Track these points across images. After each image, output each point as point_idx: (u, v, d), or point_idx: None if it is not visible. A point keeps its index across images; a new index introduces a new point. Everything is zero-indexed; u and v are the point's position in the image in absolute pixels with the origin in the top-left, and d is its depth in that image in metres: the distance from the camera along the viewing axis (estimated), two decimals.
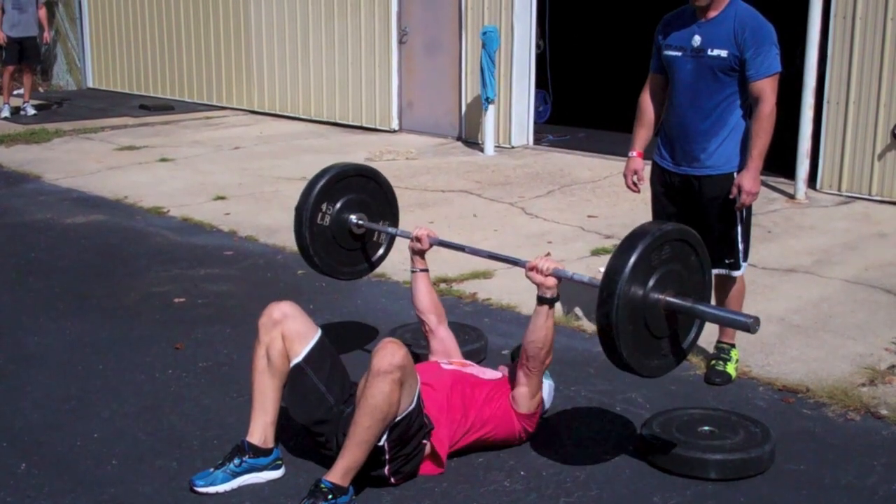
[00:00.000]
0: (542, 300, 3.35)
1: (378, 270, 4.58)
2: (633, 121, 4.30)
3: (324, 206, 3.99)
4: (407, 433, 3.17)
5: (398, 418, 3.11)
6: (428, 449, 3.27)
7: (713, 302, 4.10)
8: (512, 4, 9.32)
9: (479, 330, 4.49)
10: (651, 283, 3.03)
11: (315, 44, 11.15)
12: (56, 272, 5.75)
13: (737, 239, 4.09)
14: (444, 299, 4.52)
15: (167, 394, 4.00)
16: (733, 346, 4.21)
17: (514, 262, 3.63)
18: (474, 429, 3.39)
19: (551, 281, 3.34)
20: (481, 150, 9.43)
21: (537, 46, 9.88)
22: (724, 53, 3.90)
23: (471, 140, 9.85)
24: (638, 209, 6.34)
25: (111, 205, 7.52)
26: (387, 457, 3.16)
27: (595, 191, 7.71)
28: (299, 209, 3.97)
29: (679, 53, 4.02)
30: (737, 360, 4.18)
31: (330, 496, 3.01)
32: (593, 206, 7.25)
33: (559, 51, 11.45)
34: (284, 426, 3.42)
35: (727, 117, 4.00)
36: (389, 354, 3.05)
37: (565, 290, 3.99)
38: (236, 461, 3.24)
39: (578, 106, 11.10)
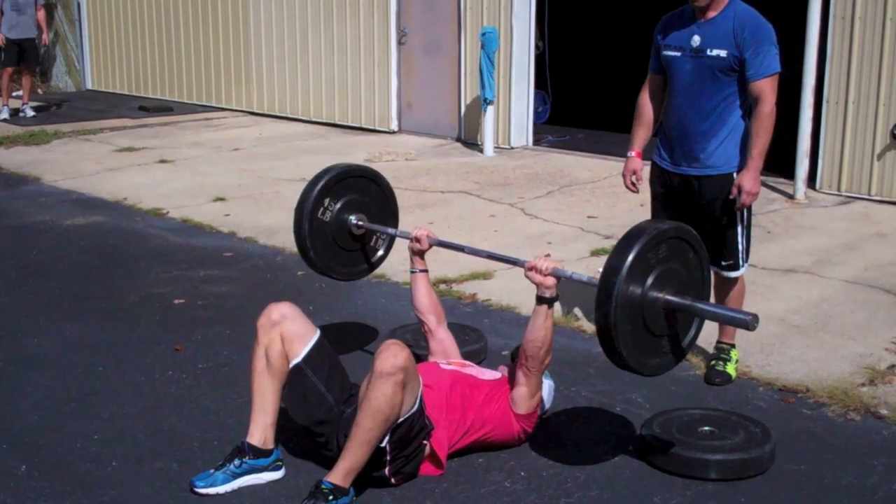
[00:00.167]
0: (541, 300, 3.35)
1: (378, 271, 4.58)
2: (632, 121, 4.30)
3: (326, 202, 3.99)
4: (409, 435, 3.17)
5: (400, 420, 3.11)
6: (427, 449, 3.27)
7: (713, 301, 4.11)
8: (511, 5, 9.32)
9: (479, 331, 4.49)
10: (649, 281, 3.03)
11: (314, 45, 11.15)
12: (56, 274, 5.75)
13: (737, 239, 4.09)
14: (444, 300, 4.52)
15: (167, 395, 3.99)
16: (733, 346, 4.21)
17: (514, 262, 3.63)
18: (473, 429, 3.39)
19: (550, 280, 3.34)
20: (481, 150, 9.43)
21: (536, 47, 9.88)
22: (723, 53, 3.90)
23: (470, 141, 9.85)
24: (637, 210, 6.34)
25: (111, 206, 7.52)
26: (388, 458, 3.16)
27: (594, 191, 7.71)
28: (302, 200, 3.96)
29: (678, 54, 4.02)
30: (737, 361, 4.18)
31: (331, 497, 3.01)
32: (593, 206, 7.25)
33: (558, 51, 11.46)
34: (284, 427, 3.42)
35: (727, 117, 4.00)
36: (392, 356, 3.05)
37: (565, 290, 4.00)
38: (236, 462, 3.23)
39: (578, 106, 11.10)
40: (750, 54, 3.86)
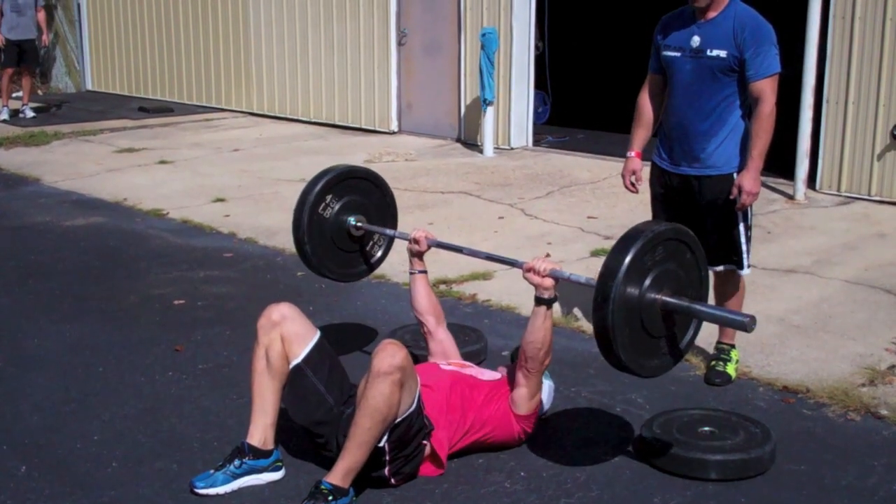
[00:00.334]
0: (539, 301, 3.35)
1: (378, 272, 4.58)
2: (631, 121, 4.30)
3: (328, 199, 4.00)
4: (407, 434, 3.17)
5: (398, 419, 3.11)
6: (427, 450, 3.27)
7: (713, 302, 4.11)
8: (511, 6, 9.32)
9: (478, 331, 4.48)
10: (647, 283, 3.03)
11: (314, 46, 11.15)
12: (56, 274, 5.75)
13: (739, 239, 4.08)
14: (444, 300, 4.52)
15: (167, 396, 3.99)
16: (733, 346, 4.20)
17: (512, 264, 3.62)
18: (473, 430, 3.39)
19: (549, 282, 3.34)
20: (480, 151, 9.43)
21: (536, 48, 9.87)
22: (723, 54, 3.90)
23: (470, 141, 9.85)
24: (637, 210, 6.34)
25: (110, 207, 7.52)
26: (387, 458, 3.16)
27: (594, 192, 7.71)
28: (304, 194, 3.96)
29: (678, 54, 4.01)
30: (737, 361, 4.18)
31: (330, 497, 3.01)
32: (593, 207, 7.25)
33: (558, 52, 11.46)
34: (284, 428, 3.42)
35: (727, 118, 4.00)
36: (389, 356, 3.05)
37: (564, 290, 4.00)
38: (236, 463, 3.24)
39: (577, 107, 11.10)
40: (750, 55, 3.86)
